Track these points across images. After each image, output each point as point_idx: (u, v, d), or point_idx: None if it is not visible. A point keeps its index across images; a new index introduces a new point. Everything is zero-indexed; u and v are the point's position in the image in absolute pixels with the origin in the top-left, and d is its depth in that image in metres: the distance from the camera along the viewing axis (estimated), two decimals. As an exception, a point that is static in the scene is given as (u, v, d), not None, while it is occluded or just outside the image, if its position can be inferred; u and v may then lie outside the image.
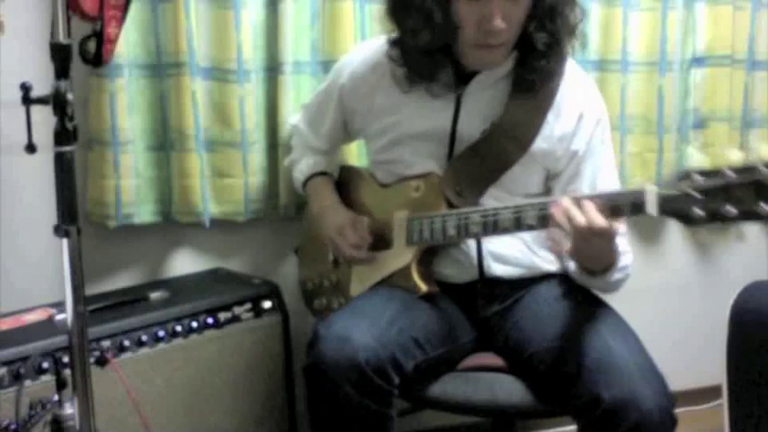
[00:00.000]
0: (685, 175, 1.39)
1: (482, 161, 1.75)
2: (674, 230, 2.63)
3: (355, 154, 2.20)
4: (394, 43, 1.77)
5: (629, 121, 2.39)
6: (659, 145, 2.41)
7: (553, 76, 1.74)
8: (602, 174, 1.79)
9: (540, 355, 1.64)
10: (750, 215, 1.33)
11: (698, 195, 1.36)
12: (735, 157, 1.34)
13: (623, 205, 1.45)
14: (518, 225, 1.59)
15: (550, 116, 1.75)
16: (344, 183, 2.00)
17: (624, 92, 2.37)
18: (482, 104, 1.76)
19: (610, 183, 1.79)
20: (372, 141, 1.91)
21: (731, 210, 1.33)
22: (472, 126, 1.75)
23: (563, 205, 1.48)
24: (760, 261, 2.66)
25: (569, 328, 1.64)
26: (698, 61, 2.45)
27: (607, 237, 1.50)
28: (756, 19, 2.46)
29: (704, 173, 1.37)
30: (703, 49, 2.44)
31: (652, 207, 1.40)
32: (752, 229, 2.69)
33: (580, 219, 1.46)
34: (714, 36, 2.43)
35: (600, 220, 1.45)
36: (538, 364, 1.65)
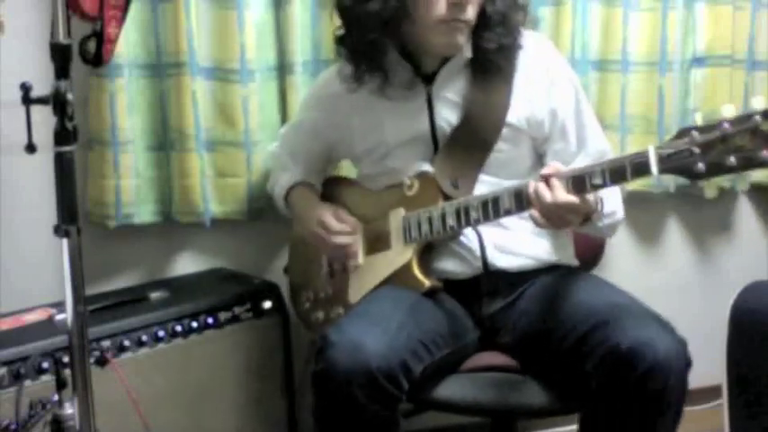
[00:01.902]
0: (683, 133, 1.39)
1: (466, 148, 1.76)
2: (674, 230, 2.63)
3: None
4: (342, 39, 1.79)
5: (629, 121, 2.39)
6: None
7: (510, 51, 1.75)
8: (586, 126, 1.80)
9: (550, 333, 1.65)
10: (751, 163, 1.32)
11: (697, 150, 1.36)
12: (729, 110, 1.34)
13: (625, 169, 1.45)
14: (519, 204, 1.59)
15: (519, 83, 1.76)
16: (332, 194, 1.99)
17: (624, 92, 2.37)
18: (453, 94, 1.78)
19: (594, 133, 1.81)
20: (360, 161, 1.92)
21: (732, 160, 1.33)
22: (450, 119, 1.77)
23: (535, 186, 1.52)
24: (760, 261, 2.66)
25: (574, 300, 1.66)
26: (698, 61, 2.44)
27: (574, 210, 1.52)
28: (756, 19, 2.46)
29: (701, 128, 1.37)
30: (703, 49, 2.44)
31: (654, 167, 1.41)
32: (752, 229, 2.69)
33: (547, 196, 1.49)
34: (714, 36, 2.43)
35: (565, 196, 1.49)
36: (548, 341, 1.65)
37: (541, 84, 1.78)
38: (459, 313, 1.78)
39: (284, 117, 2.17)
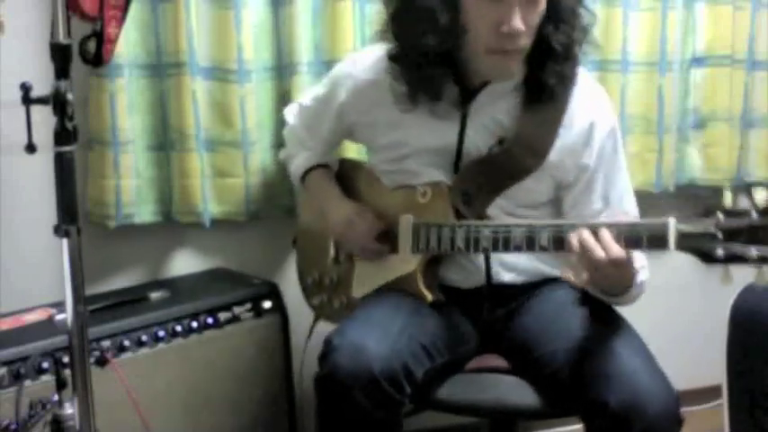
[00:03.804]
0: (709, 213, 1.37)
1: (494, 172, 1.70)
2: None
3: (355, 148, 2.17)
4: (395, 58, 1.70)
5: (629, 121, 2.39)
6: (659, 145, 2.41)
7: (568, 82, 1.68)
8: (616, 186, 1.75)
9: (548, 358, 1.64)
10: None
11: (720, 235, 1.35)
12: (760, 196, 1.34)
13: (641, 237, 1.42)
14: (530, 245, 1.56)
15: (562, 126, 1.70)
16: (345, 176, 1.96)
17: (624, 92, 2.37)
18: (488, 119, 1.71)
19: (623, 196, 1.76)
20: (378, 154, 1.87)
21: (753, 252, 1.33)
22: (479, 141, 1.71)
23: (580, 236, 1.45)
24: (760, 261, 2.65)
25: (576, 332, 1.63)
26: (698, 61, 2.45)
27: (623, 265, 1.46)
28: (756, 19, 2.46)
29: (729, 212, 1.36)
30: (703, 49, 2.44)
31: (672, 243, 1.38)
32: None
33: (598, 252, 1.43)
34: (714, 36, 2.44)
35: (617, 251, 1.42)
36: (545, 367, 1.64)
37: (580, 134, 1.70)
38: (459, 320, 1.78)
39: (281, 117, 2.16)
